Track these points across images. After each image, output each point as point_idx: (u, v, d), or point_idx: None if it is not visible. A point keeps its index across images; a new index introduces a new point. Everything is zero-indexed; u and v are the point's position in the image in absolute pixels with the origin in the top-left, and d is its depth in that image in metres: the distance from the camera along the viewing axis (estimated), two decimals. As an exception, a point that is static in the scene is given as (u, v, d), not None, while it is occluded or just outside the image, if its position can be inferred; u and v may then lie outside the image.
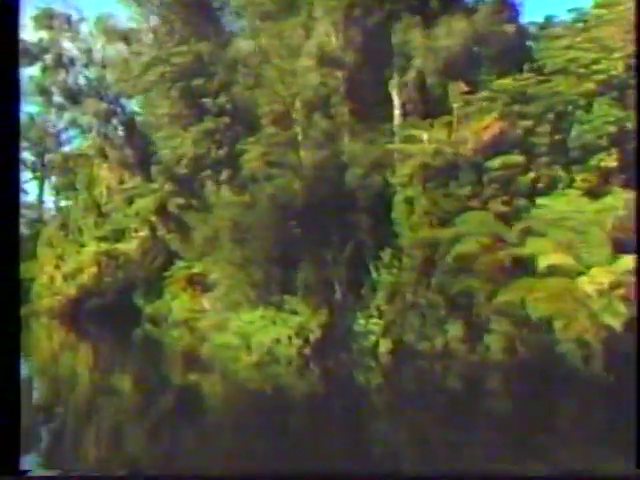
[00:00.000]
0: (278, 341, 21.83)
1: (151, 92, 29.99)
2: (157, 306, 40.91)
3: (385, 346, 22.03)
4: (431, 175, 21.58)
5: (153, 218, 39.43)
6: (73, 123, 40.40)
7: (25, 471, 6.13)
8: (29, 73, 39.81)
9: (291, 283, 23.56)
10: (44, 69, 38.96)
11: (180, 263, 38.31)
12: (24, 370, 28.26)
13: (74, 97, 38.38)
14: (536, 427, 15.32)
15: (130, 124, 39.65)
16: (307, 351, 21.52)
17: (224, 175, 23.80)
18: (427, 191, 21.34)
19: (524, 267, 20.09)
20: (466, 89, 23.12)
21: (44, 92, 39.18)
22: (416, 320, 21.64)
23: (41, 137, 62.39)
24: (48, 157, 63.73)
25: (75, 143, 45.57)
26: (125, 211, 46.03)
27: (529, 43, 25.27)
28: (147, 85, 29.37)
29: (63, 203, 54.97)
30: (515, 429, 15.79)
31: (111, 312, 41.27)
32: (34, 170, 64.69)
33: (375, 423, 17.87)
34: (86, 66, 38.24)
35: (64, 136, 43.58)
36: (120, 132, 39.46)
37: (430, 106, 23.96)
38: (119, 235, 46.26)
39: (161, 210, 38.76)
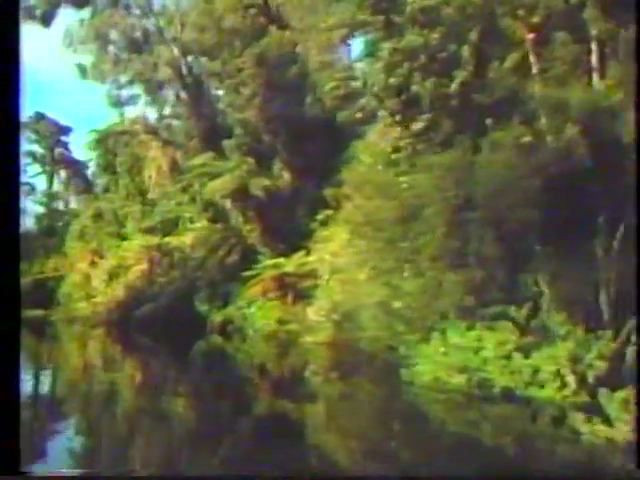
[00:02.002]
0: (532, 382, 13.10)
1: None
2: (228, 313, 31.94)
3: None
4: None
5: (228, 204, 30.49)
6: (138, 77, 31.08)
7: (25, 471, 5.99)
8: (80, 16, 30.85)
9: (517, 287, 14.90)
10: (97, 11, 29.84)
11: (266, 260, 29.38)
12: (52, 387, 21.10)
13: (136, 44, 29.42)
14: None
15: (198, 87, 30.74)
16: (585, 398, 12.82)
17: (421, 122, 14.77)
18: None
19: None
20: None
21: (99, 37, 30.02)
22: None
23: (51, 130, 54.97)
24: (58, 151, 56.48)
25: (139, 104, 35.46)
26: (177, 198, 37.11)
27: None
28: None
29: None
30: None
31: (166, 320, 32.21)
32: (43, 163, 57.39)
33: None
34: (147, 13, 29.25)
35: (125, 94, 33.63)
36: (184, 98, 30.46)
37: None
38: (169, 226, 37.24)
39: (239, 194, 29.91)
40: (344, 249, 22.95)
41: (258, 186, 29.05)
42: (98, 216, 41.48)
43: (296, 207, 30.41)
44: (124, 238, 38.90)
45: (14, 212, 5.50)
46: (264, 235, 29.95)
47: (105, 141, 40.54)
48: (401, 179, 16.16)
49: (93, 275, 37.99)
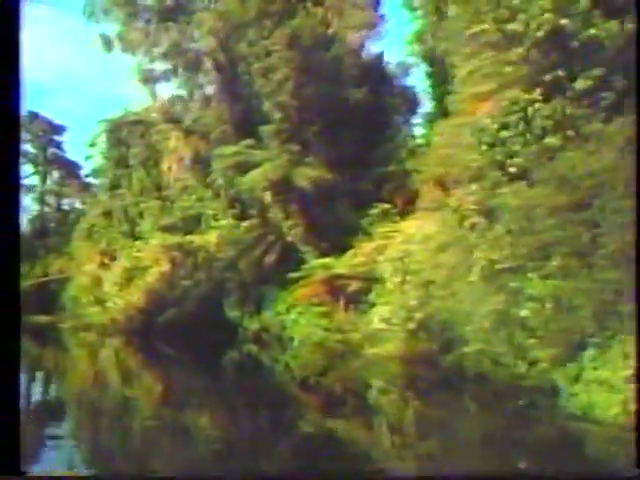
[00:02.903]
0: None
1: None
2: (264, 320, 28.26)
3: None
4: None
5: (267, 197, 26.78)
6: (174, 49, 26.88)
7: (25, 471, 5.95)
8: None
9: None
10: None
11: (310, 260, 25.70)
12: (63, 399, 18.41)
13: (171, 11, 25.44)
14: None
15: (232, 67, 27.07)
16: None
17: (588, 80, 11.20)
18: None
19: None
20: None
21: (127, 3, 25.94)
22: None
23: (44, 129, 51.72)
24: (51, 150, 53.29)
25: (175, 83, 31.05)
26: (200, 192, 33.29)
27: None
28: None
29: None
30: None
31: (192, 327, 28.54)
32: (36, 163, 53.99)
33: None
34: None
35: (159, 68, 29.13)
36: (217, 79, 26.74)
37: None
38: (192, 224, 33.37)
39: (280, 186, 26.25)
40: (423, 246, 19.49)
41: (303, 177, 25.45)
42: (107, 214, 37.53)
43: (342, 201, 26.88)
44: (137, 237, 35.02)
45: (13, 213, 5.33)
46: (308, 232, 26.33)
47: (117, 132, 36.65)
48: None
49: (104, 278, 34.11)
